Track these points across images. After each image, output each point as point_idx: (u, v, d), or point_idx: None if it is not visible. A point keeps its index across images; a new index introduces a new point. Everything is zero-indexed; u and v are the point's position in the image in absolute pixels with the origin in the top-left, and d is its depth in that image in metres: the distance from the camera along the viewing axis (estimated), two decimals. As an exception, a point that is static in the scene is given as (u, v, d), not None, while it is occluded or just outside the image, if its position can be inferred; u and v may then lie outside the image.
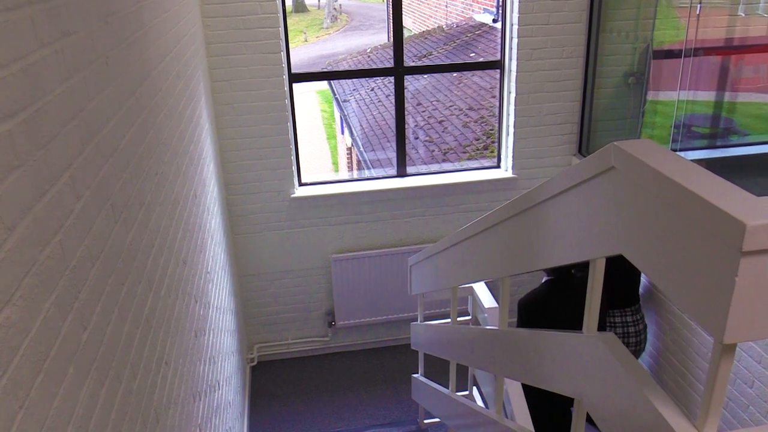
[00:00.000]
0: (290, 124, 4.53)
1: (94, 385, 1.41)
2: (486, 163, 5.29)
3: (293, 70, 4.48)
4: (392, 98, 8.87)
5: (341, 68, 9.61)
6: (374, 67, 8.89)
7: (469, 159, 6.84)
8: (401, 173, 4.90)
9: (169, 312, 2.29)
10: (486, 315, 3.58)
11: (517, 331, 2.07)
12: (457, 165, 6.13)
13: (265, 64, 4.25)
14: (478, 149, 6.91)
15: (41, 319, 1.16)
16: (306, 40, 20.49)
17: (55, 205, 1.28)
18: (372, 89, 8.94)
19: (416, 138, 7.37)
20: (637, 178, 1.17)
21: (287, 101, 4.42)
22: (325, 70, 5.39)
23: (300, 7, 24.16)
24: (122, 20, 1.96)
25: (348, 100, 9.24)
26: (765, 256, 0.92)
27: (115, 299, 1.64)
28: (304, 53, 17.27)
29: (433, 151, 7.09)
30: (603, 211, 1.31)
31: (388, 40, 16.99)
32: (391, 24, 4.50)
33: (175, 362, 2.30)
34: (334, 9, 22.29)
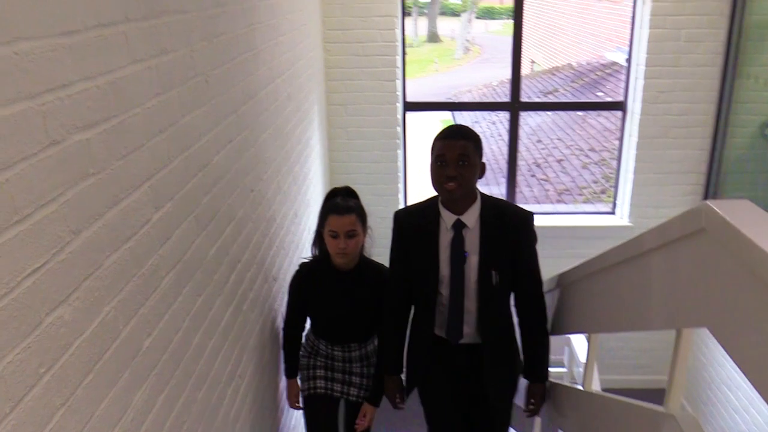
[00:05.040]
0: (401, 152, 4.55)
1: (152, 391, 1.45)
2: (602, 208, 5.02)
3: (415, 99, 4.52)
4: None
5: (464, 99, 9.59)
6: (497, 100, 8.79)
7: (584, 202, 6.53)
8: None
9: (250, 327, 2.33)
10: (581, 370, 3.36)
11: (596, 395, 1.90)
12: (570, 207, 5.86)
13: (381, 91, 4.31)
14: (595, 192, 6.58)
15: (99, 322, 1.20)
16: (437, 70, 20.72)
17: (130, 213, 1.33)
18: (493, 122, 8.82)
19: (532, 175, 7.15)
20: (729, 243, 1.03)
21: (399, 129, 4.45)
22: (445, 101, 5.37)
23: (433, 37, 24.52)
24: (229, 41, 2.04)
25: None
26: None
27: (188, 309, 1.68)
28: (433, 82, 17.46)
29: (548, 190, 6.84)
30: (690, 277, 1.17)
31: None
32: (511, 58, 4.41)
33: (251, 376, 2.33)
34: (467, 41, 22.39)
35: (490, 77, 14.02)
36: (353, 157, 4.52)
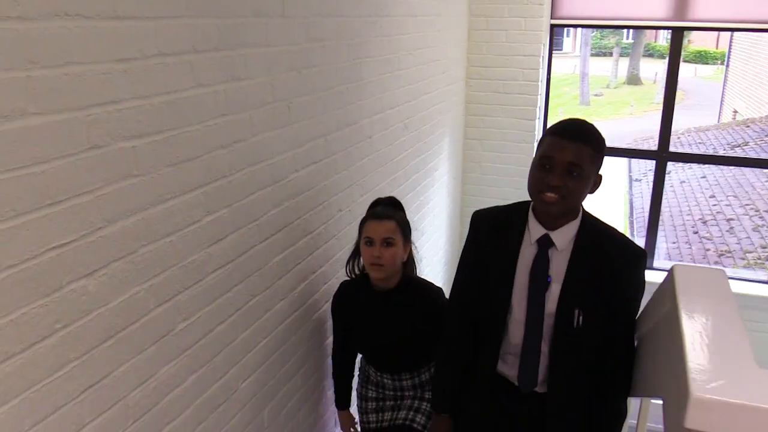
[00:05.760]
0: (534, 191, 4.52)
1: (181, 369, 1.67)
2: (763, 276, 4.50)
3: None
4: (686, 185, 8.07)
5: (644, 147, 9.08)
6: (685, 151, 8.18)
7: (745, 267, 5.83)
8: (648, 265, 4.47)
9: (319, 336, 2.50)
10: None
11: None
12: (728, 272, 5.29)
13: (519, 129, 4.32)
14: (759, 258, 5.85)
15: (125, 299, 1.44)
16: (631, 113, 19.72)
17: (176, 212, 1.57)
18: (668, 172, 8.21)
19: (695, 232, 6.54)
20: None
21: (534, 168, 4.42)
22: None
23: (634, 80, 23.31)
24: (324, 72, 2.25)
25: (640, 180, 8.63)
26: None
27: (237, 305, 1.90)
28: (619, 125, 16.66)
29: (708, 249, 6.20)
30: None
31: (718, 122, 15.42)
32: (669, 104, 4.17)
33: (314, 383, 2.50)
34: (670, 85, 20.91)
35: (687, 124, 13.07)
36: (484, 192, 4.56)
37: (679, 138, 9.09)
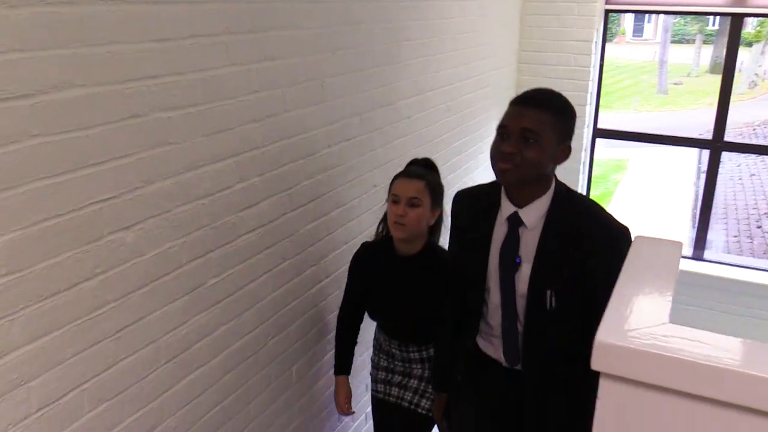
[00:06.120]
0: (583, 176, 4.50)
1: (211, 320, 1.85)
2: (824, 273, 4.33)
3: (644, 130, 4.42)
4: (755, 178, 7.73)
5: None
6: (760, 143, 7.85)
7: (807, 264, 5.58)
8: (697, 256, 4.38)
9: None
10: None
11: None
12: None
13: (569, 114, 4.32)
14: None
15: (160, 251, 1.62)
16: (710, 103, 18.83)
17: (208, 178, 1.74)
18: (738, 165, 7.92)
19: (758, 226, 6.28)
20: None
21: (584, 153, 4.40)
22: (638, 131, 4.96)
23: (717, 69, 22.03)
24: (359, 54, 2.38)
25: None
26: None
27: (266, 267, 2.07)
28: (702, 115, 15.97)
29: (772, 244, 5.97)
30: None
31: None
32: (725, 94, 4.06)
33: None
34: (755, 75, 19.86)
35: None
36: (534, 176, 4.59)
37: (754, 130, 8.71)
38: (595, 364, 0.78)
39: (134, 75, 1.47)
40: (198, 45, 1.64)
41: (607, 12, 4.17)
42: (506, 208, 1.76)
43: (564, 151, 1.68)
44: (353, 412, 2.39)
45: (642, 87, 20.11)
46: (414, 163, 2.27)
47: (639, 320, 0.81)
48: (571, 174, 4.45)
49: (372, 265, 2.27)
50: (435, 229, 2.22)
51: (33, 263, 1.30)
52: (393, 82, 2.68)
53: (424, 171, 2.17)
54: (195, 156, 1.69)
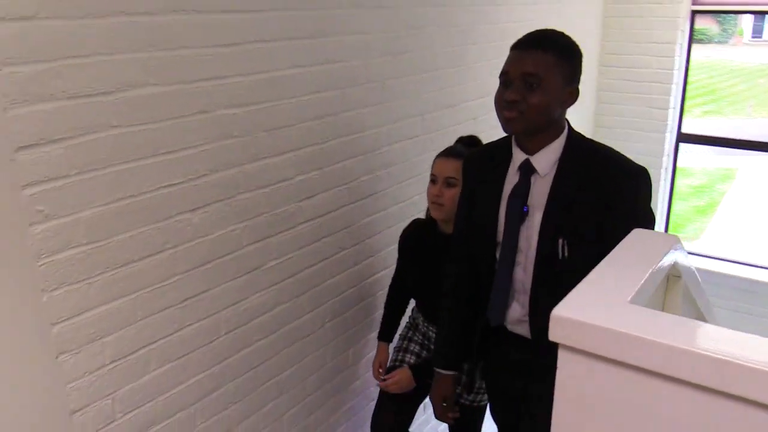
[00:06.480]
0: (665, 182, 4.38)
1: (269, 299, 2.03)
2: None
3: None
4: None
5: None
6: None
7: None
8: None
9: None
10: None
11: None
12: None
13: (650, 118, 4.22)
14: None
15: (222, 233, 1.82)
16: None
17: (268, 170, 1.92)
18: None
19: None
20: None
21: (666, 158, 4.29)
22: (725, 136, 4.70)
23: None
24: (423, 57, 2.50)
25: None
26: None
27: (324, 255, 2.23)
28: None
29: None
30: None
31: None
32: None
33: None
34: None
35: None
36: (613, 180, 4.52)
37: None
38: (552, 335, 0.86)
39: (202, 75, 1.66)
40: (262, 49, 1.82)
41: (694, 13, 4.05)
42: (517, 157, 1.68)
43: (572, 94, 1.60)
44: (384, 380, 2.31)
45: (757, 91, 18.86)
46: (459, 141, 2.22)
47: (599, 298, 0.89)
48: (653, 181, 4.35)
49: (416, 241, 2.27)
50: None
51: (110, 236, 1.52)
52: (457, 83, 2.78)
53: (464, 149, 2.10)
54: (256, 149, 1.88)
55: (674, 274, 1.22)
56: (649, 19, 4.06)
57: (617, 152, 1.66)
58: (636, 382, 0.83)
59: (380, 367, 2.42)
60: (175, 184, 1.65)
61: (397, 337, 2.47)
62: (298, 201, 2.07)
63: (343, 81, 2.14)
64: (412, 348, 2.36)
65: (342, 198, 2.26)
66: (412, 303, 2.44)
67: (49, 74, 1.33)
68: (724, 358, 0.75)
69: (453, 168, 2.03)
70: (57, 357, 1.45)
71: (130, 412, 1.65)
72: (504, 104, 1.57)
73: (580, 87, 1.63)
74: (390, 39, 2.32)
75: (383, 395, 2.35)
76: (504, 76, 1.59)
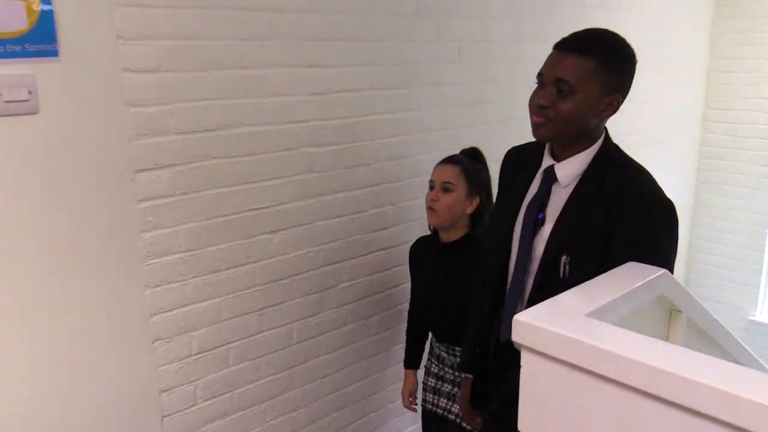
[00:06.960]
0: (774, 243, 4.20)
1: (340, 317, 2.28)
2: None
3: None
4: None
5: None
6: None
7: None
8: None
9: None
10: None
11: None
12: None
13: (757, 175, 4.10)
14: None
15: (300, 253, 2.10)
16: None
17: (345, 202, 2.19)
18: None
19: None
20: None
21: (774, 218, 4.13)
22: None
23: None
24: (495, 108, 2.70)
25: None
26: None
27: (395, 282, 2.45)
28: None
29: None
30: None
31: None
32: None
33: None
34: None
35: None
36: (715, 238, 4.39)
37: None
38: (514, 335, 1.04)
39: (290, 119, 1.98)
40: (344, 97, 2.12)
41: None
42: (545, 162, 1.57)
43: (612, 104, 1.45)
44: (415, 408, 2.33)
45: None
46: (461, 152, 2.19)
47: (559, 310, 1.05)
48: (757, 238, 4.20)
49: (420, 253, 2.25)
50: (476, 217, 2.10)
51: (204, 246, 1.85)
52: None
53: (463, 158, 2.11)
54: (335, 183, 2.16)
55: (674, 308, 1.32)
56: (755, 75, 4.00)
57: (649, 176, 1.50)
58: (573, 379, 0.98)
59: (410, 395, 2.37)
60: (261, 208, 1.96)
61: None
62: (371, 232, 2.32)
63: (419, 127, 2.39)
64: (430, 383, 2.24)
65: (413, 232, 2.48)
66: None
67: (165, 114, 1.69)
68: (640, 360, 0.89)
69: (451, 174, 2.04)
70: (153, 342, 1.78)
71: (210, 399, 1.95)
72: (533, 107, 1.47)
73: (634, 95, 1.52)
74: (467, 90, 2.55)
75: (427, 420, 2.29)
76: (540, 77, 1.48)
